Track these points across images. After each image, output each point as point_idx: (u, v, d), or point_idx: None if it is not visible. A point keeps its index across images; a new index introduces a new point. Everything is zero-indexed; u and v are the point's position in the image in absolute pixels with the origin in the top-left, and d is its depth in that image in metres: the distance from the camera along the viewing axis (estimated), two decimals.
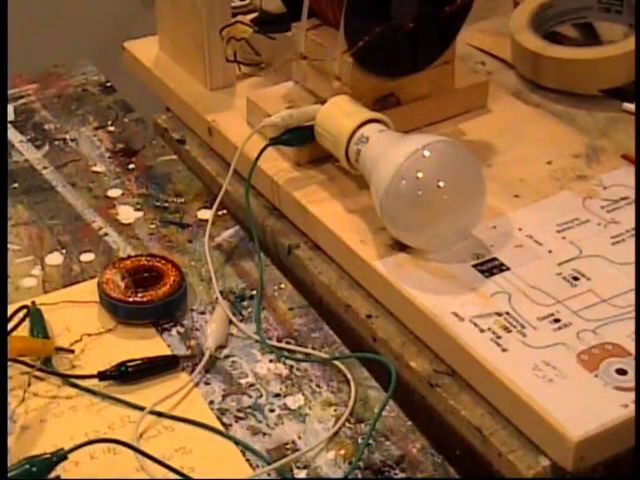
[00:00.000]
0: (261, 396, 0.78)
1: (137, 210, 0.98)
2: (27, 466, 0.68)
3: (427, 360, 0.80)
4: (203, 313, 0.86)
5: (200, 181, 1.02)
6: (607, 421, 0.70)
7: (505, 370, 0.74)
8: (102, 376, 0.79)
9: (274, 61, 1.10)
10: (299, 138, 0.94)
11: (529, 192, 0.92)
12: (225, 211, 0.97)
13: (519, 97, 1.07)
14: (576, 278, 0.82)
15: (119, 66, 1.19)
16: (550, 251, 0.85)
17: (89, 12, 1.87)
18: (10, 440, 0.74)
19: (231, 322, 0.85)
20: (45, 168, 1.04)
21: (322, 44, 0.96)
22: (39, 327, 0.83)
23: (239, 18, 1.08)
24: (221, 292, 0.87)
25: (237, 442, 0.75)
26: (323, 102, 0.93)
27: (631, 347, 0.75)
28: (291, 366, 0.81)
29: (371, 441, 0.74)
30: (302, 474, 0.72)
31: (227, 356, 0.82)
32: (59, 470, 0.70)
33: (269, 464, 0.73)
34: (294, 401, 0.78)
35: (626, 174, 0.94)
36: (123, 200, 0.99)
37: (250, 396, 0.78)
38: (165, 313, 0.85)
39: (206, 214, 0.97)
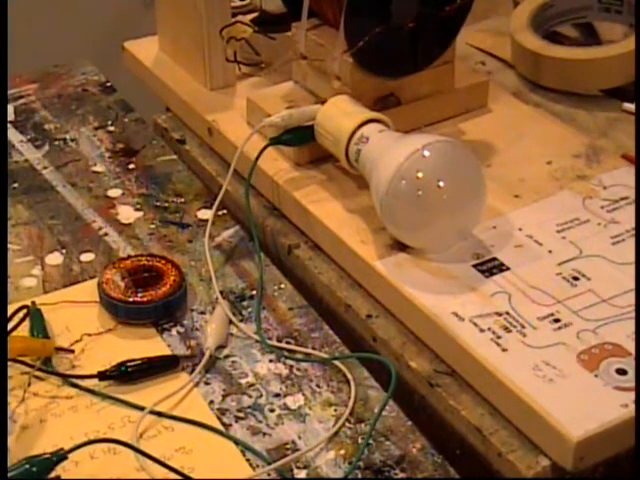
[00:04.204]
0: (261, 396, 0.78)
1: (137, 210, 0.98)
2: (27, 466, 0.68)
3: (427, 360, 0.80)
4: (203, 313, 0.86)
5: (200, 181, 1.02)
6: (607, 421, 0.70)
7: (505, 370, 0.74)
8: (102, 376, 0.79)
9: (274, 61, 1.10)
10: (299, 138, 0.94)
11: (529, 192, 0.92)
12: (225, 211, 0.97)
13: (519, 97, 1.07)
14: (576, 278, 0.82)
15: (119, 66, 1.19)
16: (550, 251, 0.85)
17: (89, 12, 1.87)
18: (10, 440, 0.74)
19: (231, 322, 0.85)
20: (45, 168, 1.04)
21: (322, 44, 0.96)
22: (39, 327, 0.83)
23: (239, 18, 1.08)
24: (221, 292, 0.87)
25: (237, 442, 0.75)
26: (323, 102, 0.93)
27: (631, 347, 0.75)
28: (291, 366, 0.81)
29: (371, 441, 0.74)
30: (302, 474, 0.72)
31: (227, 356, 0.82)
32: (59, 470, 0.70)
33: (269, 464, 0.73)
34: (294, 401, 0.78)
35: (626, 174, 0.94)
36: (123, 200, 0.99)
37: (250, 396, 0.78)
38: (165, 313, 0.85)
39: (206, 214, 0.97)
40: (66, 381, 0.79)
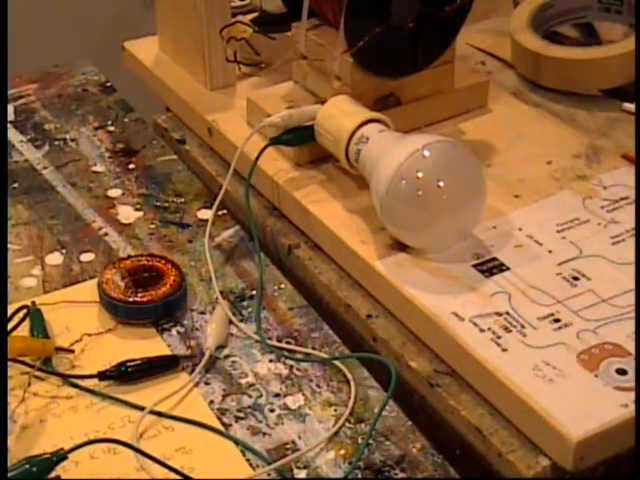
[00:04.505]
0: (261, 396, 0.78)
1: (137, 210, 0.98)
2: (27, 466, 0.68)
3: (427, 360, 0.80)
4: (203, 313, 0.86)
5: (200, 181, 1.02)
6: (607, 421, 0.70)
7: (505, 370, 0.74)
8: (102, 376, 0.79)
9: (274, 61, 1.10)
10: (299, 138, 0.94)
11: (529, 192, 0.92)
12: (225, 211, 0.97)
13: (519, 97, 1.07)
14: (576, 278, 0.82)
15: (119, 66, 1.19)
16: (550, 251, 0.85)
17: (89, 12, 1.87)
18: (10, 440, 0.74)
19: (231, 322, 0.85)
20: (45, 168, 1.04)
21: (322, 44, 0.96)
22: (39, 327, 0.83)
23: (239, 18, 1.08)
24: (221, 292, 0.87)
25: (237, 442, 0.75)
26: (323, 102, 0.93)
27: (631, 347, 0.75)
28: (291, 366, 0.81)
29: (371, 441, 0.74)
30: (302, 474, 0.72)
31: (227, 356, 0.82)
32: (59, 470, 0.70)
33: (269, 464, 0.73)
34: (294, 401, 0.78)
35: (626, 174, 0.94)
36: (123, 200, 0.99)
37: (250, 396, 0.78)
38: (165, 313, 0.85)
39: (206, 214, 0.97)
40: (66, 381, 0.79)
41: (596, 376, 0.73)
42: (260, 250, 0.91)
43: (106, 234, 0.95)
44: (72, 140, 1.09)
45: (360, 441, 0.74)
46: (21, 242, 0.94)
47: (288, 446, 0.74)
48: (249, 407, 0.77)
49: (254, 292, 0.88)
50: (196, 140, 1.08)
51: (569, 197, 0.91)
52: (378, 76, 0.94)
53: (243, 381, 0.80)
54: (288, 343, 0.83)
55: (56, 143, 1.08)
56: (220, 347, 0.82)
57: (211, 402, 0.78)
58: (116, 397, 0.78)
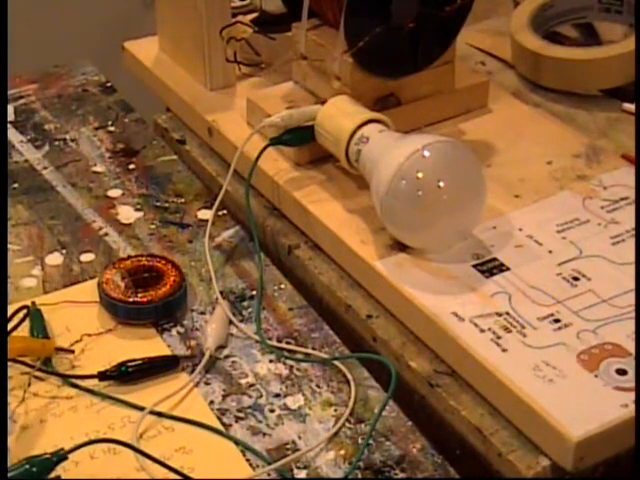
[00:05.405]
0: (261, 396, 0.78)
1: (137, 210, 0.98)
2: (27, 466, 0.68)
3: (427, 360, 0.80)
4: (203, 313, 0.86)
5: (200, 181, 1.02)
6: (607, 421, 0.70)
7: (505, 370, 0.74)
8: (102, 376, 0.79)
9: (274, 61, 1.11)
10: (299, 138, 0.94)
11: (529, 192, 0.92)
12: (225, 211, 0.97)
13: (519, 97, 1.07)
14: (576, 278, 0.82)
15: (119, 66, 1.19)
16: (550, 251, 0.85)
17: (89, 12, 1.87)
18: (10, 440, 0.74)
19: (231, 322, 0.85)
20: (45, 168, 1.04)
21: (322, 44, 0.96)
22: (39, 327, 0.82)
23: (239, 18, 1.08)
24: (221, 292, 0.87)
25: (237, 442, 0.75)
26: (323, 102, 0.93)
27: (631, 347, 0.75)
28: (291, 366, 0.81)
29: (371, 441, 0.74)
30: (302, 474, 0.72)
31: (227, 356, 0.82)
32: (59, 470, 0.70)
33: (269, 464, 0.73)
34: (294, 401, 0.78)
35: (626, 174, 0.94)
36: (123, 200, 0.99)
37: (250, 396, 0.78)
38: (165, 313, 0.85)
39: (206, 214, 0.97)
40: (66, 381, 0.79)
41: (596, 376, 0.73)
42: (260, 250, 0.91)
43: (106, 234, 0.95)
44: (72, 140, 1.09)
45: (360, 441, 0.74)
46: (21, 242, 0.94)
47: (288, 446, 0.74)
48: (249, 407, 0.77)
49: (254, 292, 0.88)
50: (196, 140, 1.08)
51: (569, 197, 0.91)
52: (378, 76, 0.94)
53: (243, 381, 0.80)
54: (288, 343, 0.83)
55: (56, 143, 1.08)
56: (220, 347, 0.82)
57: (211, 402, 0.78)
58: (116, 397, 0.78)
